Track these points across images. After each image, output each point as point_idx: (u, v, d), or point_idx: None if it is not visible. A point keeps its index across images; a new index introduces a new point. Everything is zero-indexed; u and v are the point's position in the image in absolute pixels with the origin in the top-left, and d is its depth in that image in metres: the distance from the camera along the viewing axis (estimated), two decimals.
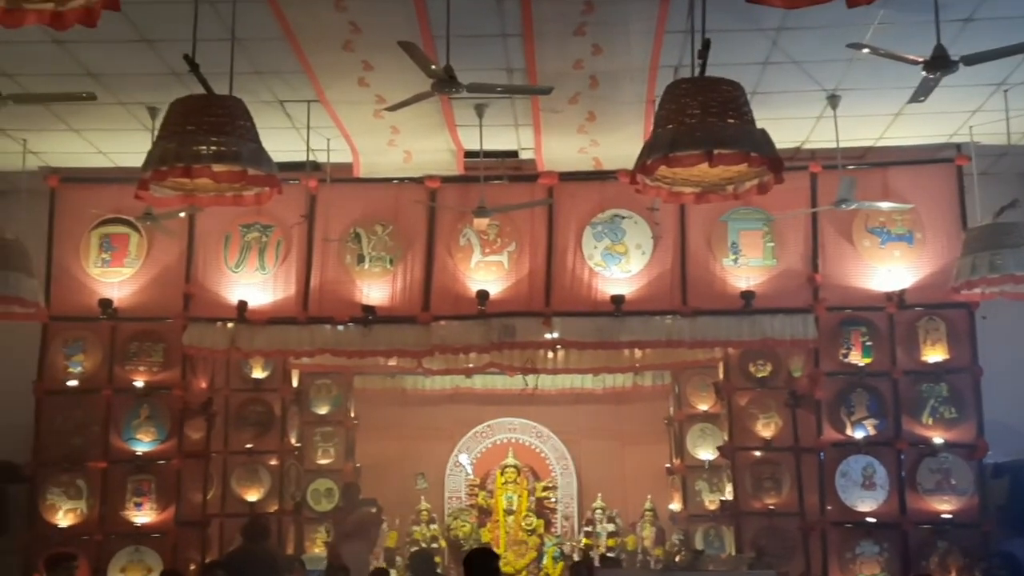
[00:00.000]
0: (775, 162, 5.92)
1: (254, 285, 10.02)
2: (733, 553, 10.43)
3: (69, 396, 9.90)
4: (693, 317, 9.57)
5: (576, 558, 11.41)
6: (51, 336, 9.99)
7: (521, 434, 12.84)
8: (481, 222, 9.16)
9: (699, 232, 9.80)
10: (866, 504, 9.48)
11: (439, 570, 10.69)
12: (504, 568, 11.79)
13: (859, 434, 9.61)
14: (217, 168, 6.32)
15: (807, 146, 9.85)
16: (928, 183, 9.89)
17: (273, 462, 11.37)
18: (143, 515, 9.72)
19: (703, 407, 11.78)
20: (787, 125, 9.11)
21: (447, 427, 12.81)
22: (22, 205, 9.59)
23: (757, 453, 10.58)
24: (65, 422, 9.85)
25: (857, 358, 9.73)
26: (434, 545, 11.80)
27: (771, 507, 10.37)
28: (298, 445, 11.89)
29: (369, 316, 9.77)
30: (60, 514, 9.66)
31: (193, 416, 10.27)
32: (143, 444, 9.86)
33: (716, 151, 5.75)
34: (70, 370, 9.97)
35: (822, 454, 9.65)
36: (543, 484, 12.54)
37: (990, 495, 9.59)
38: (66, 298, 9.97)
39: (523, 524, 12.19)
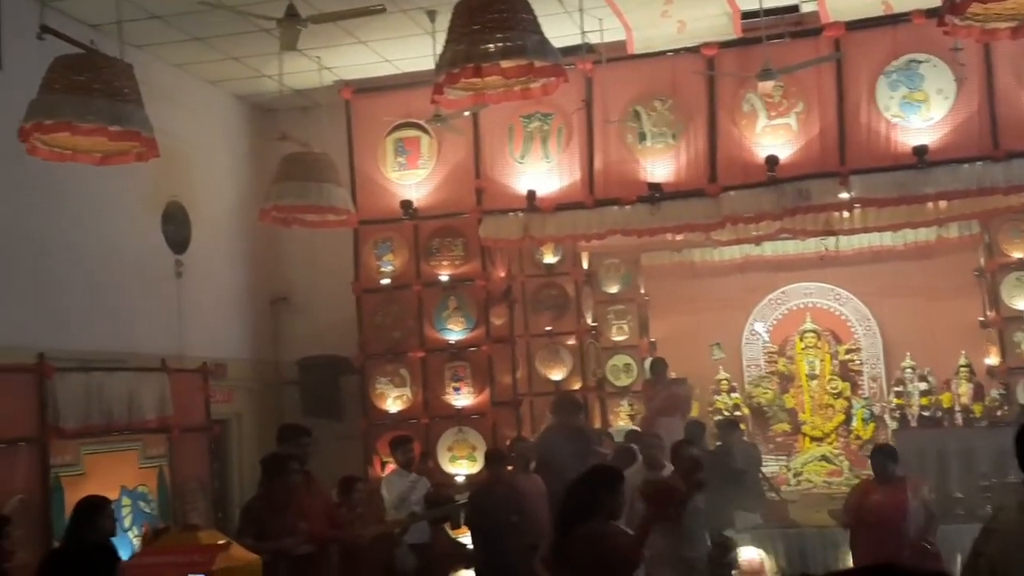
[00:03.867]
0: None
1: (540, 174, 10.24)
2: None
3: (384, 293, 10.65)
4: (1007, 161, 8.86)
5: (887, 419, 11.17)
6: (362, 239, 10.72)
7: (818, 298, 12.54)
8: (765, 85, 8.85)
9: (1008, 68, 8.98)
10: None
11: (744, 437, 10.78)
12: (812, 432, 11.77)
13: None
14: (505, 64, 6.46)
15: None
16: None
17: (571, 342, 11.81)
18: (462, 398, 10.42)
19: (1018, 255, 11.01)
20: None
21: (739, 296, 12.70)
22: (323, 119, 10.23)
23: None
24: (384, 317, 10.63)
25: None
26: (736, 413, 11.89)
27: None
28: (594, 324, 12.26)
29: (655, 194, 9.76)
30: (389, 401, 10.51)
31: (495, 304, 10.82)
32: (454, 333, 10.49)
33: None
34: (382, 269, 10.70)
35: None
36: (846, 347, 12.23)
37: None
38: (371, 203, 10.61)
39: (828, 388, 12.00)
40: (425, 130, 10.50)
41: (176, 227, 10.14)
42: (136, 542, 7.16)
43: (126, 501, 7.29)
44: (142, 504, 7.46)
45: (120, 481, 7.25)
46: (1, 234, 7.87)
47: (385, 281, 10.65)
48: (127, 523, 7.19)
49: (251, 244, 11.31)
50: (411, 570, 7.99)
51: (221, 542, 5.75)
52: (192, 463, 8.13)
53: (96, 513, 5.56)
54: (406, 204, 10.52)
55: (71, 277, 8.52)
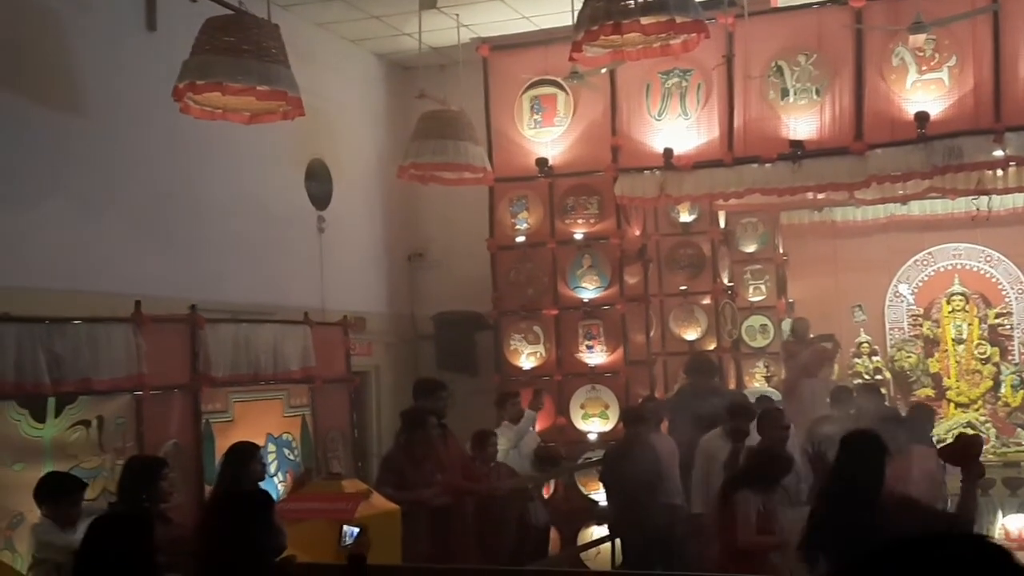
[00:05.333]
0: None
1: (678, 131, 10.07)
2: None
3: (518, 251, 10.69)
4: None
5: None
6: (497, 197, 10.77)
7: (967, 259, 12.04)
8: (917, 38, 8.47)
9: None
10: None
11: (886, 402, 10.49)
12: (957, 399, 11.39)
13: None
14: (645, 21, 6.38)
15: None
16: None
17: (706, 302, 11.67)
18: (595, 356, 10.42)
19: None
20: None
21: (882, 257, 12.32)
22: (460, 77, 10.30)
23: None
24: (518, 274, 10.68)
25: None
26: (877, 377, 11.59)
27: None
28: (730, 284, 12.06)
29: (797, 151, 9.48)
30: (523, 358, 10.60)
31: (630, 262, 10.75)
32: (588, 291, 10.48)
33: None
34: (517, 227, 10.75)
35: None
36: (996, 310, 11.73)
37: None
38: (507, 160, 10.63)
39: (975, 353, 11.55)
40: (562, 87, 10.44)
41: (318, 184, 10.42)
42: (281, 488, 7.47)
43: (272, 448, 7.60)
44: (287, 451, 7.77)
45: (266, 429, 7.56)
46: (157, 192, 8.23)
47: (520, 239, 10.70)
48: (272, 469, 7.49)
49: (389, 201, 11.52)
50: (544, 524, 8.12)
51: (363, 491, 5.94)
52: (334, 413, 8.39)
53: (248, 459, 5.82)
54: (542, 162, 10.52)
55: (220, 232, 8.86)
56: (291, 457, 7.79)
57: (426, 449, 6.83)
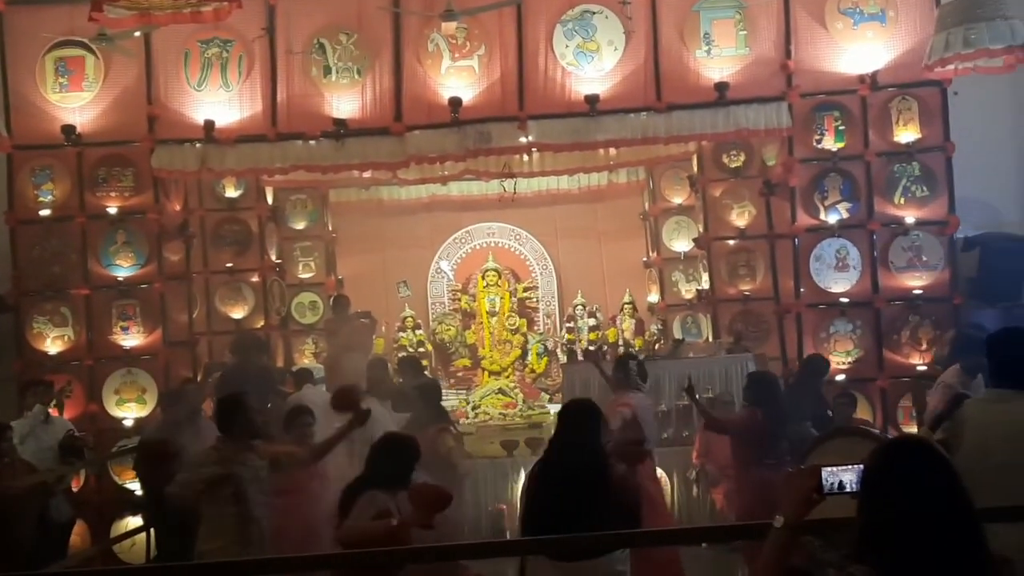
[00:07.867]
0: None
1: (219, 103, 9.79)
2: (711, 339, 10.78)
3: (43, 225, 9.87)
4: (668, 112, 9.46)
5: (560, 353, 11.77)
6: (17, 166, 9.86)
7: (500, 238, 12.94)
8: (449, 26, 8.90)
9: (671, 24, 9.57)
10: (840, 285, 9.72)
11: (427, 373, 10.98)
12: (491, 367, 12.20)
13: (832, 218, 9.75)
14: None
15: None
16: None
17: (255, 279, 11.52)
18: (131, 338, 9.87)
19: (678, 200, 11.90)
20: None
21: (426, 235, 12.88)
22: None
23: (732, 242, 10.81)
24: (42, 251, 9.86)
25: (830, 143, 9.75)
26: (420, 350, 12.08)
27: (746, 293, 10.68)
28: (278, 261, 11.98)
29: (340, 129, 9.61)
30: (48, 342, 9.80)
31: (170, 239, 10.34)
32: (123, 269, 9.90)
33: None
34: (40, 199, 9.90)
35: (796, 240, 9.82)
36: (524, 285, 12.72)
37: (961, 269, 9.84)
38: (28, 126, 9.76)
39: (506, 324, 12.44)
40: (90, 49, 9.71)
41: None
42: None
43: None
44: None
45: None
46: None
47: (44, 212, 9.86)
48: None
49: None
50: (69, 520, 7.53)
51: None
52: None
53: None
54: (68, 129, 9.73)
55: None
56: None
57: None
